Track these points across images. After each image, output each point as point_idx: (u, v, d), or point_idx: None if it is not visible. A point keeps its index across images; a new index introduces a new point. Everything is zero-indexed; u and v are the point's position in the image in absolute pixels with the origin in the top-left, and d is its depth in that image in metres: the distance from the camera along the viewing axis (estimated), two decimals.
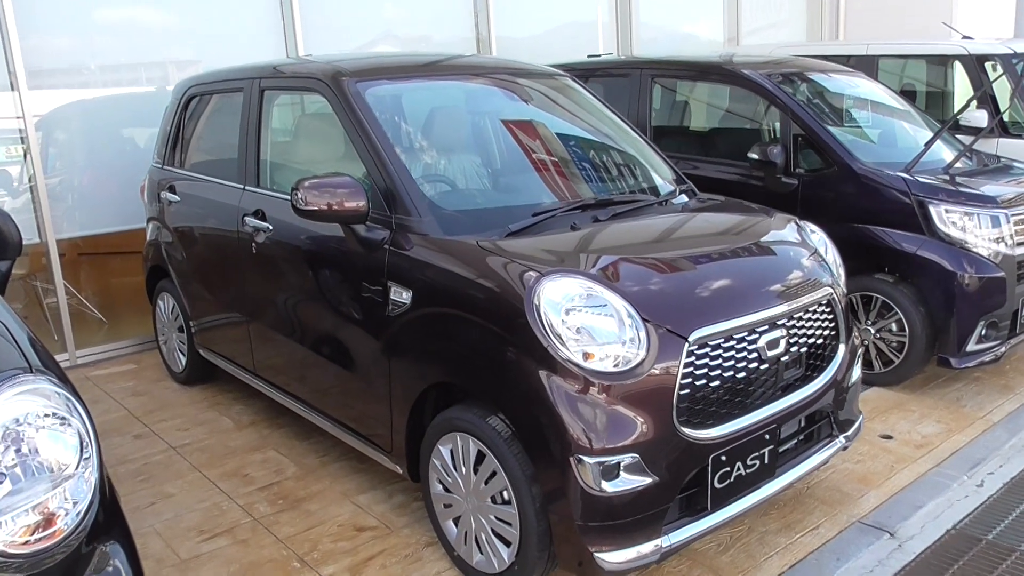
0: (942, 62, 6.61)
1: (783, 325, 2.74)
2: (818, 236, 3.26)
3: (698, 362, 2.51)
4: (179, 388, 4.69)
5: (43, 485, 1.53)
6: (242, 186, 3.75)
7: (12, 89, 4.86)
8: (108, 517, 1.64)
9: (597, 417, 2.38)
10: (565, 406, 2.38)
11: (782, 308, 2.74)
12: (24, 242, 2.70)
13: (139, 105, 5.45)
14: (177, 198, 4.30)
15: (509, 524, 2.59)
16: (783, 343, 2.73)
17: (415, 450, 2.97)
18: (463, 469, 2.72)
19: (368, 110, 3.12)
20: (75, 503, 1.57)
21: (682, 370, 2.46)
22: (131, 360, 5.24)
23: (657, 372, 2.43)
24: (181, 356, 4.63)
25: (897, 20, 9.43)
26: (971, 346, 4.09)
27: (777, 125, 4.83)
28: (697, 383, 2.50)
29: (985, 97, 5.98)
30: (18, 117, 4.91)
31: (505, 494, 2.58)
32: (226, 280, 3.95)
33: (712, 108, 5.58)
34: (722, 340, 2.57)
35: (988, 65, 6.15)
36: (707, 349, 2.53)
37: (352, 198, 2.86)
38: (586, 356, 2.41)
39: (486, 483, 2.64)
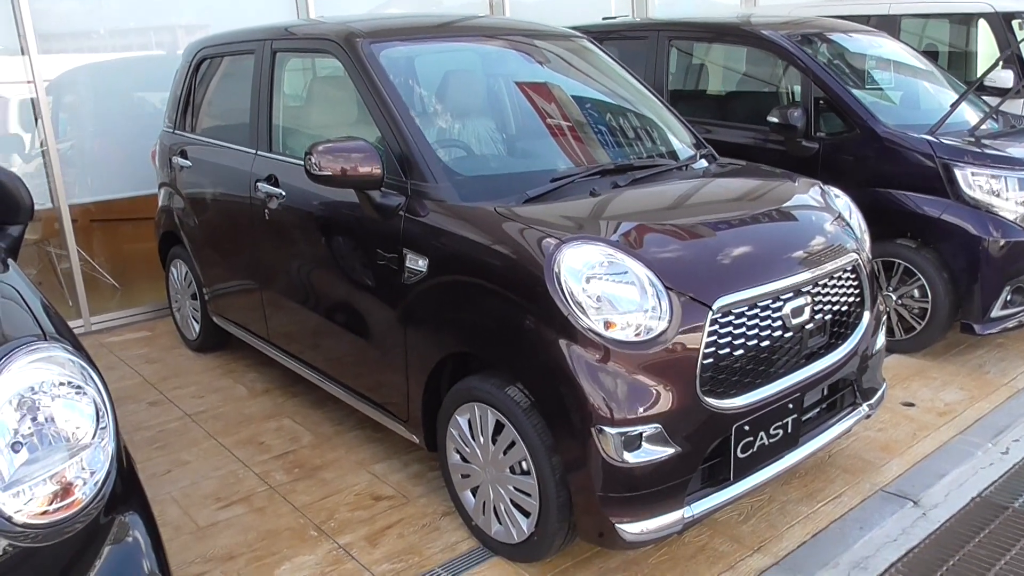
0: (967, 21, 6.44)
1: (808, 292, 2.68)
2: (843, 200, 3.18)
3: (722, 331, 2.45)
4: (193, 355, 4.68)
5: (60, 454, 1.50)
6: (254, 151, 3.69)
7: (23, 53, 4.80)
8: (126, 487, 1.62)
9: (619, 387, 2.34)
10: (586, 376, 2.33)
11: (807, 275, 2.68)
12: (36, 207, 2.67)
13: (149, 69, 5.38)
14: (188, 163, 4.24)
15: (528, 495, 2.56)
16: (808, 310, 2.67)
17: (431, 420, 2.94)
18: (481, 439, 2.69)
19: (382, 72, 3.04)
20: (92, 473, 1.54)
21: (706, 339, 2.41)
22: (145, 327, 5.23)
23: (680, 341, 2.38)
24: (195, 323, 4.61)
25: None
26: (996, 312, 4.02)
27: (798, 88, 4.72)
28: (721, 352, 2.45)
29: (1011, 57, 5.82)
30: (29, 82, 4.85)
31: (524, 464, 2.55)
32: (239, 247, 3.91)
33: (731, 70, 5.45)
34: (746, 308, 2.51)
35: (1015, 23, 5.98)
36: (731, 317, 2.47)
37: (367, 163, 2.79)
38: (607, 325, 2.36)
39: (504, 453, 2.61)
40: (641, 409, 2.33)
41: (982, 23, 6.39)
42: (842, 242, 2.90)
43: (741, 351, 2.50)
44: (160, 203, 4.67)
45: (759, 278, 2.55)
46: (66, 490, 1.51)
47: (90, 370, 1.60)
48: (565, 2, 7.73)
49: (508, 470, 2.61)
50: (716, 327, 2.44)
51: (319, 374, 3.56)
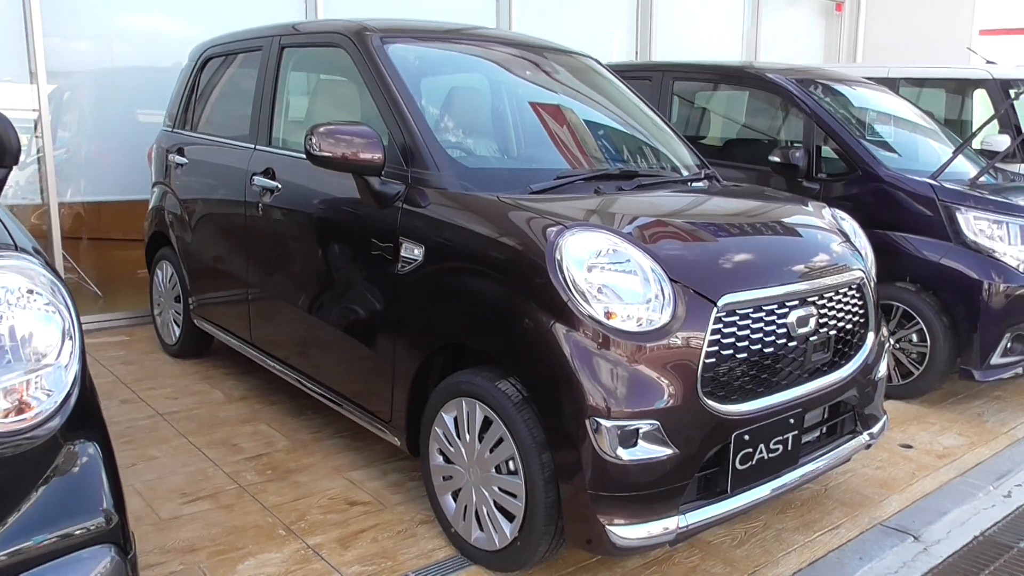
0: (964, 88, 6.55)
1: (813, 303, 2.61)
2: (848, 224, 3.13)
3: (725, 330, 2.36)
4: (171, 360, 4.52)
5: (18, 367, 1.38)
6: (253, 146, 3.63)
7: (31, 82, 4.83)
8: (85, 415, 1.48)
9: (617, 378, 2.23)
10: (583, 365, 2.23)
11: (813, 284, 2.61)
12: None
13: (148, 95, 5.31)
14: (184, 160, 4.17)
15: (514, 496, 2.42)
16: (812, 322, 2.59)
17: (415, 424, 2.81)
18: (467, 437, 2.56)
19: (390, 65, 3.00)
20: (50, 392, 1.41)
21: (709, 336, 2.31)
22: (124, 332, 5.08)
23: (683, 336, 2.28)
24: (175, 327, 4.47)
25: (916, 53, 9.41)
26: (995, 359, 3.94)
27: (800, 129, 4.73)
28: (724, 352, 2.35)
29: (1008, 123, 5.90)
30: (35, 110, 4.86)
31: (511, 464, 2.42)
32: (229, 245, 3.80)
33: (734, 112, 5.48)
34: (751, 310, 2.42)
35: (1012, 92, 6.07)
36: (735, 318, 2.38)
37: (368, 148, 2.72)
38: (608, 315, 2.26)
39: (491, 451, 2.47)
40: (639, 403, 2.22)
41: (979, 93, 6.50)
42: (848, 260, 2.84)
43: (744, 354, 2.40)
44: (152, 203, 4.58)
45: (765, 281, 2.48)
46: (20, 408, 1.38)
47: (60, 287, 1.49)
48: (567, 41, 7.83)
49: (494, 470, 2.47)
50: (720, 325, 2.34)
51: (300, 375, 3.41)
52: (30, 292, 1.42)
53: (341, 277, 3.05)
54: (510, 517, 2.45)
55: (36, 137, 4.89)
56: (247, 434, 3.56)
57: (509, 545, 2.46)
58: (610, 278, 2.30)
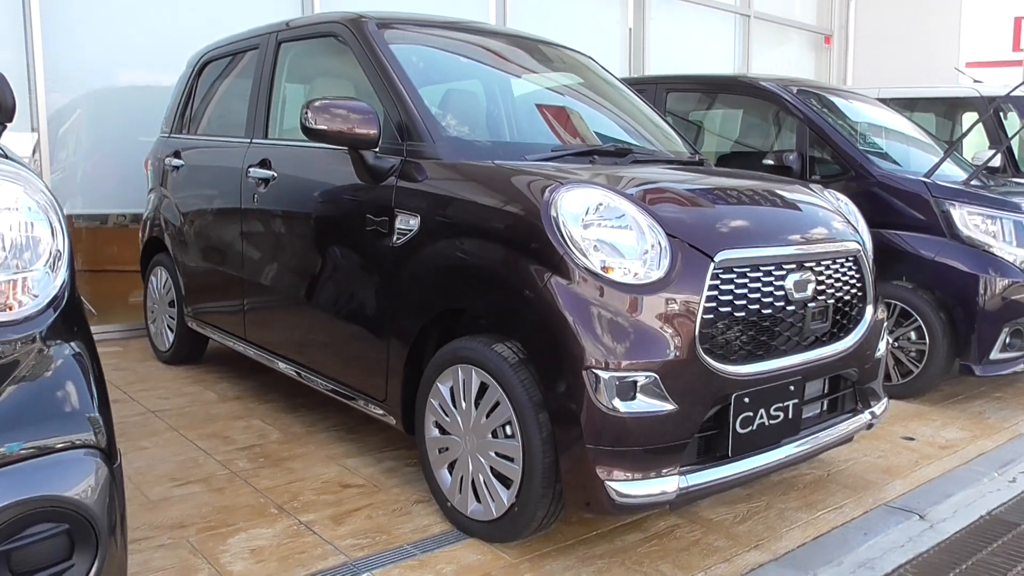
0: (954, 109, 6.64)
1: (811, 269, 2.59)
2: (845, 204, 3.13)
3: (723, 287, 2.34)
4: (164, 367, 4.48)
5: (5, 268, 1.36)
6: (249, 140, 3.65)
7: (32, 130, 4.88)
8: (72, 322, 1.45)
9: (615, 330, 2.20)
10: (580, 316, 2.21)
11: (810, 249, 2.60)
12: None
13: (141, 126, 5.33)
14: (180, 162, 4.19)
15: (511, 460, 2.37)
16: (810, 288, 2.57)
17: (410, 402, 2.77)
18: (463, 405, 2.52)
19: (386, 47, 3.04)
20: (36, 295, 1.39)
21: (706, 292, 2.29)
22: (117, 344, 5.03)
23: (680, 290, 2.26)
24: (169, 333, 4.43)
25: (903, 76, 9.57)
26: (995, 354, 3.91)
27: (793, 136, 4.78)
28: (722, 310, 2.33)
29: (997, 137, 5.97)
30: (34, 158, 4.91)
31: (508, 428, 2.37)
32: (224, 240, 3.79)
33: (727, 121, 5.54)
34: (748, 269, 2.41)
35: (998, 103, 6.15)
36: (732, 276, 2.37)
37: (364, 124, 2.74)
38: (605, 268, 2.25)
39: (487, 416, 2.43)
40: (636, 355, 2.19)
41: (969, 116, 6.59)
42: (845, 234, 2.83)
43: (743, 313, 2.38)
44: (147, 210, 4.58)
45: (762, 241, 2.47)
46: (4, 307, 1.36)
47: (51, 197, 1.48)
48: None
49: (490, 435, 2.43)
50: (718, 282, 2.33)
51: (295, 366, 3.37)
52: (20, 197, 1.40)
53: (336, 258, 3.03)
54: (507, 484, 2.40)
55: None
56: (240, 428, 3.50)
57: (507, 512, 2.41)
58: (606, 233, 2.30)
